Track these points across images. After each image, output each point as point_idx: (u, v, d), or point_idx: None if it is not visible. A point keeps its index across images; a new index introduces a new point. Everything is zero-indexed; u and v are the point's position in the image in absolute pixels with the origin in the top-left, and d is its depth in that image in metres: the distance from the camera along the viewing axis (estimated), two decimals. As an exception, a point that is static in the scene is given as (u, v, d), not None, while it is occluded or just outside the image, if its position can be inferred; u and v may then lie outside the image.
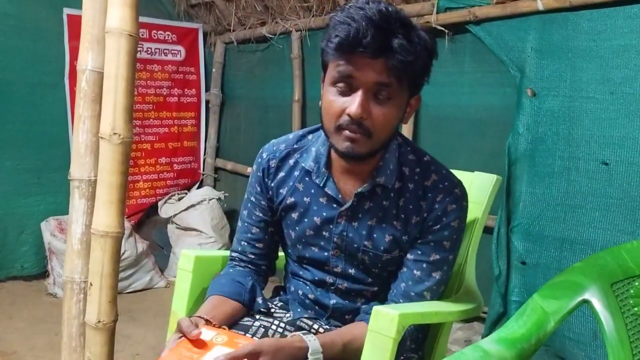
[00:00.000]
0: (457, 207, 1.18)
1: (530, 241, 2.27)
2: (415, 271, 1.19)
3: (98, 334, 1.47)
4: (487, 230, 2.34)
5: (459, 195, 1.19)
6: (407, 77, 1.09)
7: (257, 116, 3.70)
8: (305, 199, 1.25)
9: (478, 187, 1.42)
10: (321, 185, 1.22)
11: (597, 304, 1.08)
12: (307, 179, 1.25)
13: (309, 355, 1.07)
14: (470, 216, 1.41)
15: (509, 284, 2.34)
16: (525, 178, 2.28)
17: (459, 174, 1.48)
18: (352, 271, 1.25)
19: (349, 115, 1.07)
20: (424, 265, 1.19)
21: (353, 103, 1.06)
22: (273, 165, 1.28)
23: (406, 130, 2.70)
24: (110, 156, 1.42)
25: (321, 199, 1.23)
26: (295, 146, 1.28)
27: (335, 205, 1.22)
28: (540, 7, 2.18)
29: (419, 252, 1.20)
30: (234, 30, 3.70)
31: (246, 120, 3.85)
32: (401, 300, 1.19)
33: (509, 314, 2.33)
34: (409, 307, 1.10)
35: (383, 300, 1.25)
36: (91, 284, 1.45)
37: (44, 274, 3.23)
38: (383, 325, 1.05)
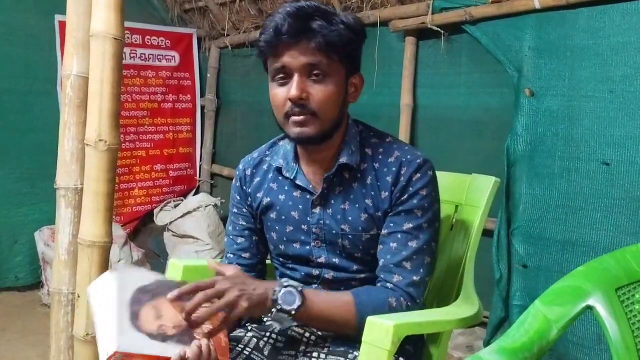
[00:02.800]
0: (422, 176, 1.21)
1: (532, 244, 2.23)
2: (391, 244, 1.20)
3: (87, 347, 1.44)
4: (488, 233, 2.30)
5: (422, 165, 1.21)
6: (337, 54, 1.15)
7: (253, 121, 3.67)
8: (280, 197, 1.29)
9: (476, 190, 1.38)
10: (292, 178, 1.26)
11: (602, 310, 1.03)
12: (280, 178, 1.29)
13: (280, 284, 1.10)
14: (468, 220, 1.38)
15: (511, 288, 2.30)
16: (525, 180, 2.24)
17: (456, 177, 1.45)
18: (336, 260, 1.25)
19: (290, 100, 1.14)
20: (399, 236, 1.20)
21: (291, 88, 1.14)
22: (249, 173, 1.34)
23: (403, 132, 2.66)
24: (96, 164, 1.38)
25: (295, 194, 1.27)
26: (267, 152, 1.36)
27: (308, 197, 1.26)
28: (537, 5, 2.14)
29: (392, 225, 1.21)
30: (228, 35, 3.67)
31: (242, 126, 3.81)
32: (382, 276, 1.20)
33: (511, 319, 2.29)
34: (405, 317, 1.06)
35: None
36: (79, 296, 1.42)
37: (38, 285, 3.19)
38: (378, 336, 1.00)
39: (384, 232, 1.21)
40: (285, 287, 1.09)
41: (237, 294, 1.04)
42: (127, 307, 0.99)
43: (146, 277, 1.05)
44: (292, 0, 1.17)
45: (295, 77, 1.14)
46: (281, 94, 1.16)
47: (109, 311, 0.99)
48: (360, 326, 1.07)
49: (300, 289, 1.10)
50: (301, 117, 1.15)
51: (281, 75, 1.16)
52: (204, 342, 1.03)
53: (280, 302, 1.07)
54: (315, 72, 1.14)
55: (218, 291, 1.04)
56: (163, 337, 1.00)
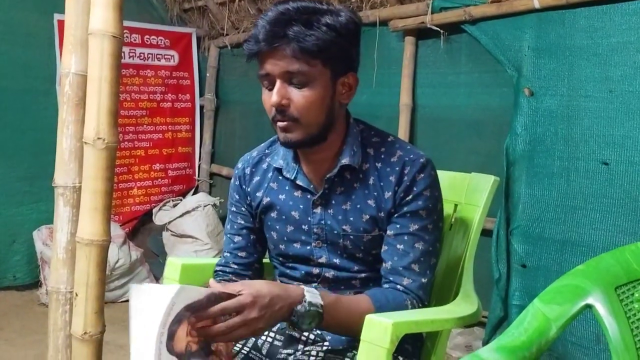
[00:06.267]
0: (425, 176, 1.20)
1: (530, 243, 2.23)
2: (397, 245, 1.20)
3: (85, 346, 1.42)
4: (487, 233, 2.30)
5: (425, 164, 1.21)
6: (317, 59, 1.12)
7: (252, 121, 3.67)
8: (280, 196, 1.28)
9: (475, 188, 1.38)
10: (292, 178, 1.25)
11: (601, 309, 1.03)
12: (280, 177, 1.28)
13: (304, 301, 1.05)
14: (468, 218, 1.37)
15: (510, 288, 2.30)
16: (524, 179, 2.24)
17: (456, 175, 1.44)
18: (336, 260, 1.25)
19: (273, 106, 1.14)
20: (405, 238, 1.19)
21: (272, 94, 1.13)
22: (248, 172, 1.34)
23: (402, 132, 2.66)
24: (94, 162, 1.37)
25: (295, 193, 1.27)
26: (266, 151, 1.34)
27: (309, 197, 1.25)
28: (537, 5, 2.14)
29: (398, 226, 1.20)
30: (227, 34, 3.67)
31: (241, 125, 3.81)
32: (390, 278, 1.19)
33: (510, 318, 2.29)
34: (404, 316, 1.06)
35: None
36: (76, 295, 1.41)
37: (36, 284, 3.18)
38: (376, 335, 1.00)
39: (389, 232, 1.21)
40: (307, 308, 1.05)
41: (256, 315, 1.00)
42: (167, 328, 0.99)
43: (200, 293, 1.02)
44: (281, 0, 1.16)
45: (277, 83, 1.13)
46: (267, 99, 1.16)
47: (152, 331, 0.98)
48: None
49: (321, 304, 1.06)
50: (284, 123, 1.15)
51: (266, 82, 1.16)
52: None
53: (299, 322, 1.06)
54: (296, 78, 1.12)
55: (239, 305, 1.00)
56: (189, 355, 1.02)
